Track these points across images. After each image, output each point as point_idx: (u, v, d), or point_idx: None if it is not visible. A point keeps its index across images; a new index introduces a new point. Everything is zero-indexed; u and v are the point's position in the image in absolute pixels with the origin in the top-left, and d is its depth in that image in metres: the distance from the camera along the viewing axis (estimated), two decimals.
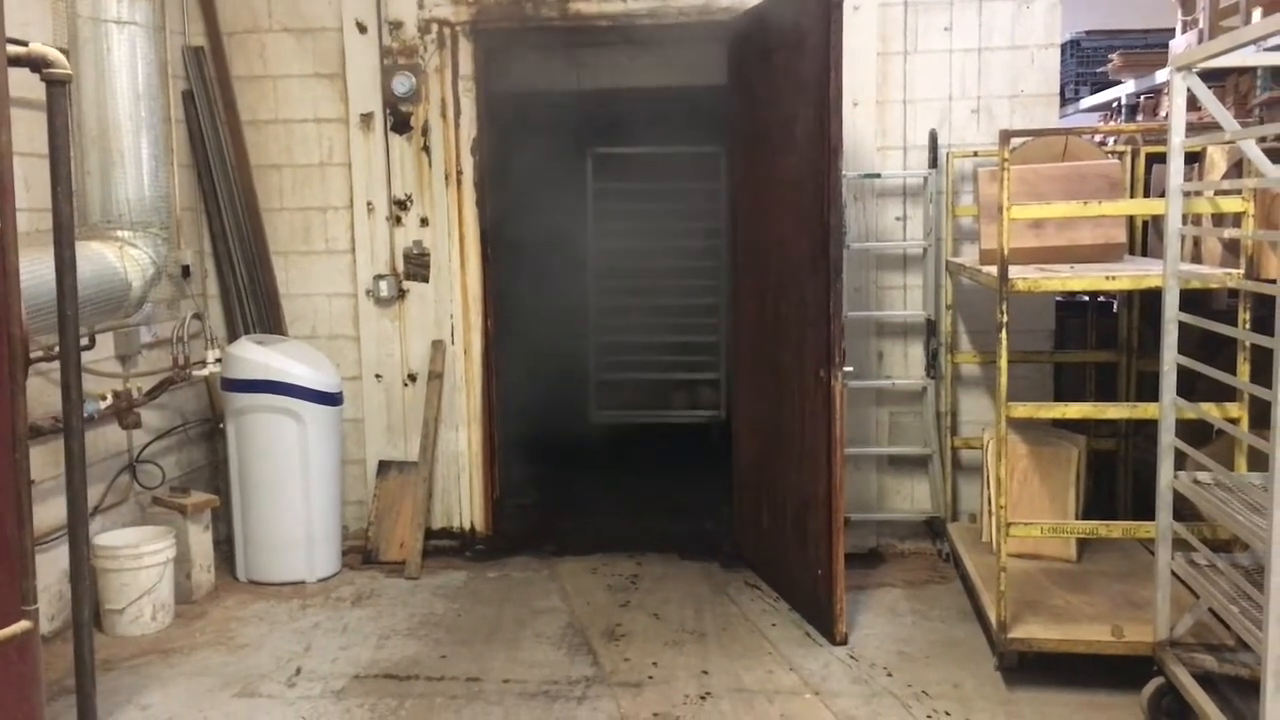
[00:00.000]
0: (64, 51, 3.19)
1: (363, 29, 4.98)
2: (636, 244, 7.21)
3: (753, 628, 4.20)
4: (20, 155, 2.67)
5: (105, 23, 3.87)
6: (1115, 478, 4.88)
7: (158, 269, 4.13)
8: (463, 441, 5.17)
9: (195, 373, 4.65)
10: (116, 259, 3.91)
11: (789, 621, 4.24)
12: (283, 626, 4.28)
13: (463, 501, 5.20)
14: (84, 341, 3.70)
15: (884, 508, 5.04)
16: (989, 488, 4.44)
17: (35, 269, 3.13)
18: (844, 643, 3.99)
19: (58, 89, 2.69)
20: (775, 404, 4.50)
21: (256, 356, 4.65)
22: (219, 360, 4.71)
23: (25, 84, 2.81)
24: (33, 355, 3.03)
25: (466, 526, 5.21)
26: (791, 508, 4.37)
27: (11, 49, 2.60)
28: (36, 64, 2.67)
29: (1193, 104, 3.34)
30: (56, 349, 3.34)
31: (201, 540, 4.59)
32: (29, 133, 3.55)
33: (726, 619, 4.29)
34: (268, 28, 5.06)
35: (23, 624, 2.52)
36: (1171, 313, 3.32)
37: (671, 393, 7.44)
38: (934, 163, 4.80)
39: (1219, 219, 3.71)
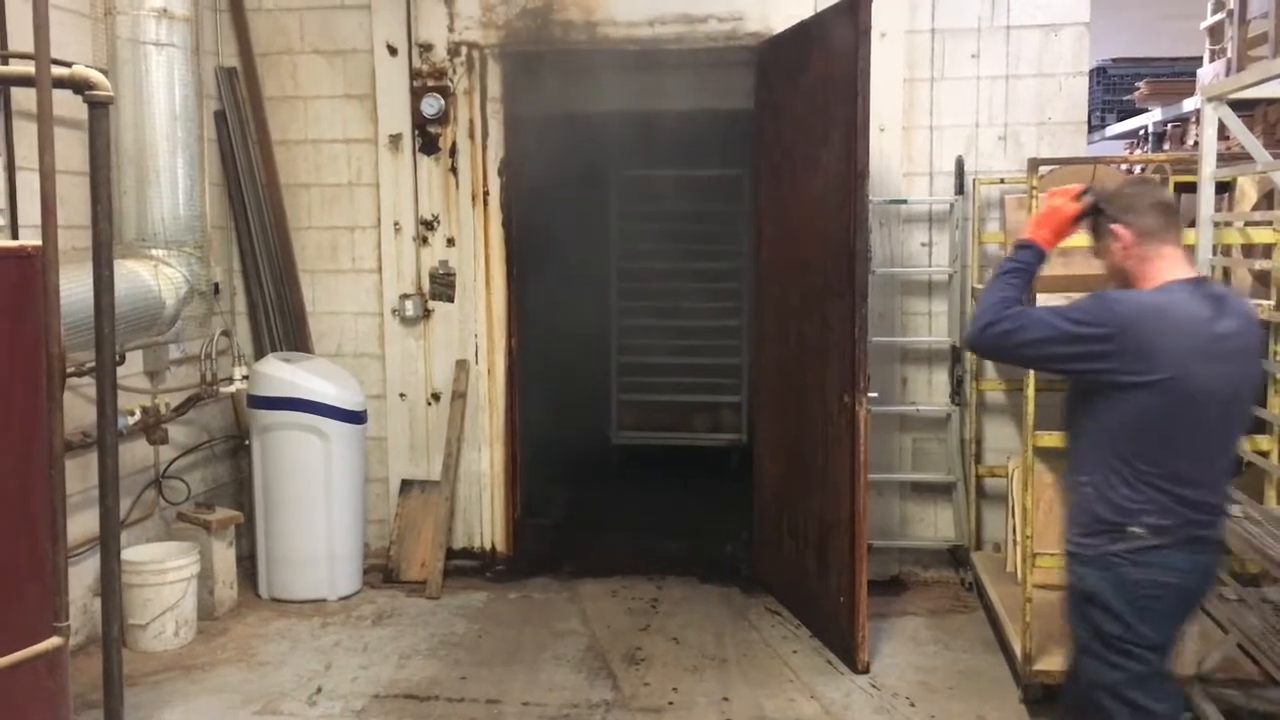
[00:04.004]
0: (103, 72, 3.24)
1: (393, 51, 5.04)
2: (660, 265, 7.24)
3: (774, 654, 4.18)
4: (57, 173, 2.71)
5: (144, 45, 3.93)
6: None
7: (190, 287, 4.18)
8: (485, 461, 5.18)
9: (222, 389, 4.69)
10: (151, 277, 3.96)
11: (810, 649, 4.22)
12: (304, 644, 4.29)
13: (484, 521, 5.21)
14: (116, 358, 3.73)
15: (907, 535, 5.01)
16: (1014, 517, 4.41)
17: (71, 287, 3.16)
18: (866, 671, 3.96)
19: (100, 111, 2.74)
20: (798, 428, 4.49)
21: (282, 374, 4.69)
22: (246, 377, 4.75)
23: (58, 101, 2.85)
24: (66, 371, 3.06)
25: (487, 546, 5.21)
26: (813, 533, 4.35)
27: (55, 70, 2.65)
28: (79, 86, 2.72)
29: (1221, 133, 3.34)
30: (87, 365, 3.39)
31: (225, 556, 4.61)
32: (65, 151, 3.59)
33: (747, 645, 4.27)
34: (299, 49, 5.13)
35: (54, 640, 2.54)
36: None
37: (693, 415, 7.43)
38: (960, 189, 4.80)
39: (1249, 250, 3.69)
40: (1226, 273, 3.87)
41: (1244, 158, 3.40)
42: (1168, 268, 2.43)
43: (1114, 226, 2.48)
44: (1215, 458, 2.44)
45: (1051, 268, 3.85)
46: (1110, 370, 2.35)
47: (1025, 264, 2.56)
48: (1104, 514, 2.41)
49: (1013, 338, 2.45)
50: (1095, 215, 2.55)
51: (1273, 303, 3.40)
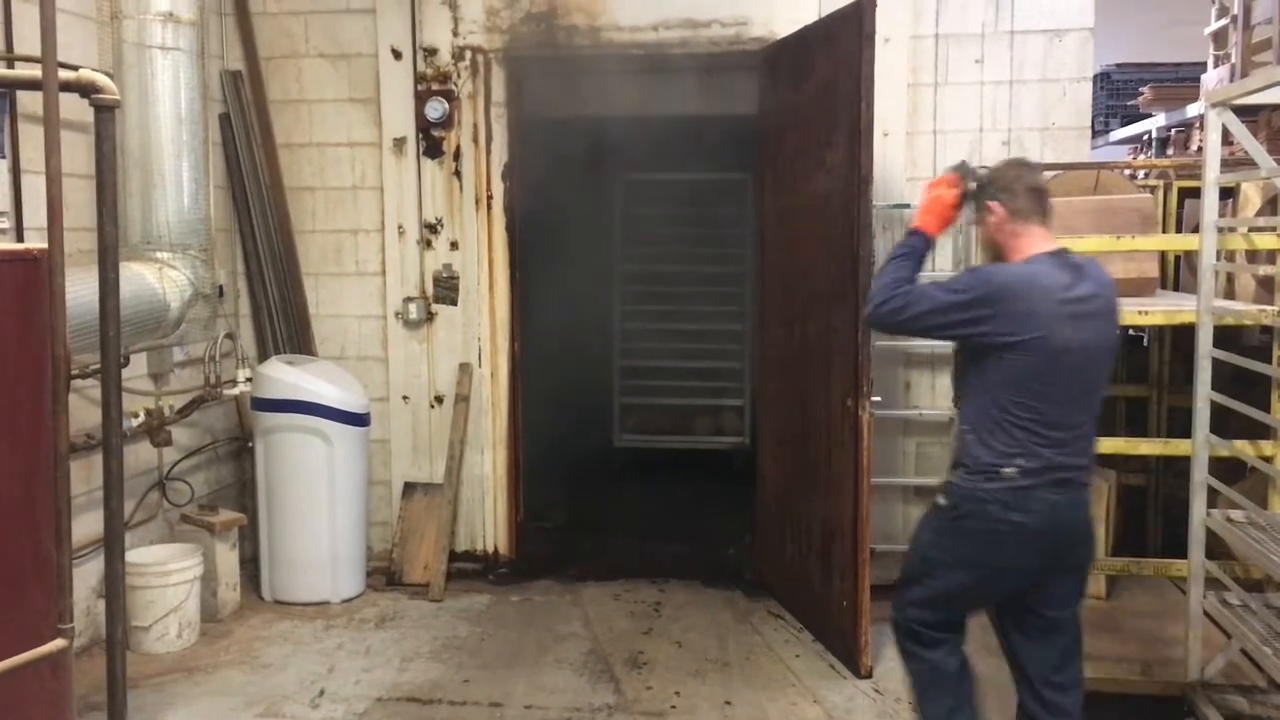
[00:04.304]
0: (109, 75, 3.25)
1: (398, 55, 5.05)
2: (663, 269, 7.24)
3: (776, 658, 4.17)
4: (63, 177, 2.72)
5: (150, 48, 3.94)
6: (1145, 514, 4.83)
7: (195, 290, 4.19)
8: (488, 464, 5.19)
9: (226, 392, 4.69)
10: (156, 280, 3.97)
11: (813, 653, 4.21)
12: (306, 647, 4.29)
13: (487, 524, 5.21)
14: (121, 360, 3.74)
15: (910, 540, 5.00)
16: None
17: (76, 289, 3.17)
18: (869, 676, 3.96)
19: (106, 114, 2.75)
20: (801, 432, 4.49)
21: (286, 376, 4.70)
22: (249, 380, 4.76)
23: (64, 104, 2.86)
24: (71, 373, 3.07)
25: (490, 549, 5.22)
26: (816, 537, 4.35)
27: (62, 74, 2.66)
28: (86, 89, 2.73)
29: (1225, 138, 3.34)
30: (92, 367, 3.40)
31: (228, 558, 4.62)
32: (70, 154, 3.61)
33: (750, 649, 4.27)
34: (304, 53, 5.14)
35: (58, 642, 2.54)
36: (1205, 349, 3.30)
37: (696, 418, 7.43)
38: None
39: (1253, 255, 3.69)
40: (1230, 278, 3.87)
41: (1248, 163, 3.40)
42: (1034, 243, 2.75)
43: (990, 203, 2.80)
44: (1080, 407, 2.73)
45: None
46: (988, 333, 2.66)
47: (914, 248, 2.88)
48: (982, 457, 2.71)
49: (904, 312, 2.78)
50: (977, 194, 2.85)
51: (1276, 308, 3.40)
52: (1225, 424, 3.59)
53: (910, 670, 2.98)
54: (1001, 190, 2.79)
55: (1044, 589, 2.78)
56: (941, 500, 2.82)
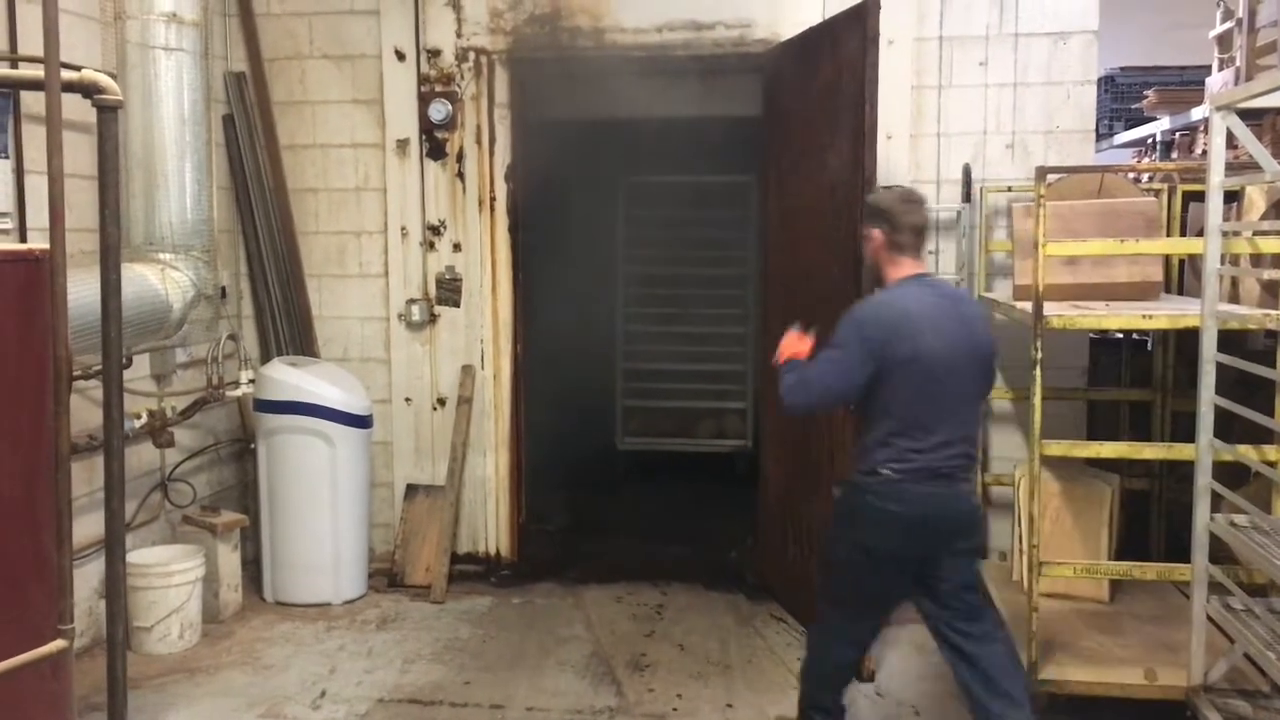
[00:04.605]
0: (112, 76, 3.25)
1: (401, 57, 5.05)
2: (666, 271, 7.23)
3: (778, 661, 4.17)
4: (65, 177, 2.71)
5: (153, 49, 3.95)
6: (1148, 518, 4.82)
7: (198, 291, 4.19)
8: (490, 466, 5.19)
9: (228, 393, 4.69)
10: (158, 281, 3.97)
11: None
12: (308, 648, 4.29)
13: (489, 526, 5.21)
14: (122, 361, 3.75)
15: None
16: (1020, 526, 4.40)
17: (78, 290, 3.18)
18: (870, 679, 3.95)
19: (109, 115, 2.75)
20: (803, 434, 4.48)
21: (288, 378, 4.70)
22: (252, 381, 4.76)
23: (66, 104, 2.86)
24: (73, 374, 3.07)
25: (492, 551, 5.21)
26: (819, 539, 4.34)
27: (65, 74, 2.66)
28: (89, 90, 2.74)
29: (1229, 142, 3.32)
30: (94, 368, 3.40)
31: (230, 560, 4.62)
32: (73, 154, 3.62)
33: (752, 651, 4.26)
34: (308, 54, 5.15)
35: (59, 643, 2.54)
36: (1209, 353, 3.29)
37: (699, 421, 7.42)
38: (967, 197, 4.79)
39: (1257, 259, 3.68)
40: (1234, 282, 3.86)
41: (1252, 167, 3.39)
42: (905, 269, 3.11)
43: (874, 230, 3.12)
44: (951, 413, 3.03)
45: (1059, 276, 3.87)
46: (884, 358, 2.95)
47: (794, 364, 3.16)
48: (867, 459, 3.06)
49: (820, 403, 3.17)
50: (871, 217, 3.16)
51: None
52: (1229, 428, 3.58)
53: (809, 644, 3.36)
54: (884, 221, 3.10)
55: (939, 570, 3.07)
56: (836, 492, 3.20)
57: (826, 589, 3.32)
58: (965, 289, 3.17)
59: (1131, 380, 4.95)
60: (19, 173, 3.76)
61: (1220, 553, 3.38)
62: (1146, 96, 6.08)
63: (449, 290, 5.14)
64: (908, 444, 2.99)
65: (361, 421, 4.82)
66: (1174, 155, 5.87)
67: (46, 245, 2.68)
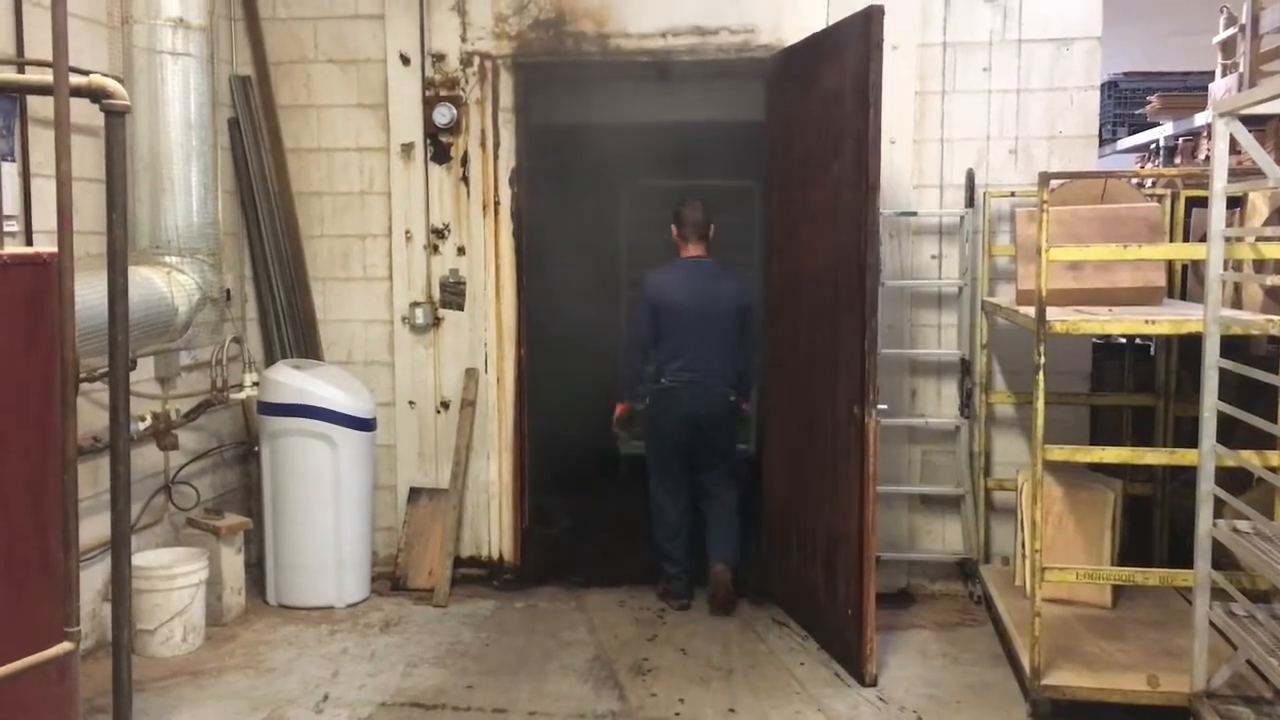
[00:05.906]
0: (119, 80, 3.27)
1: (406, 61, 5.06)
2: None
3: (780, 666, 4.17)
4: (72, 181, 2.72)
5: (160, 54, 3.96)
6: (1151, 523, 4.82)
7: (203, 295, 4.20)
8: (493, 470, 5.19)
9: (233, 396, 4.70)
10: (164, 284, 3.98)
11: (817, 661, 4.21)
12: (311, 651, 4.30)
13: (492, 530, 5.22)
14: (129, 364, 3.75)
15: (915, 548, 5.00)
16: (1023, 530, 4.40)
17: (85, 293, 3.18)
18: (873, 684, 3.95)
19: (116, 120, 2.76)
20: (806, 439, 4.49)
21: (293, 381, 4.71)
22: (256, 384, 4.77)
23: (74, 108, 2.86)
24: (79, 376, 3.08)
25: (495, 555, 5.22)
26: (821, 545, 4.35)
27: (73, 79, 2.67)
28: (96, 94, 2.74)
29: (1232, 147, 3.33)
30: (100, 371, 3.41)
31: (233, 563, 4.63)
32: (80, 158, 3.61)
33: (754, 656, 4.27)
34: (313, 59, 5.16)
35: (64, 645, 2.55)
36: (1212, 358, 3.29)
37: None
38: (970, 202, 4.80)
39: (1260, 265, 3.69)
40: (1237, 287, 3.86)
41: (1255, 173, 3.40)
42: (687, 251, 4.88)
43: (673, 225, 4.90)
44: (701, 343, 4.73)
45: (1062, 281, 3.88)
46: (655, 310, 4.81)
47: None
48: (658, 374, 4.82)
49: (633, 343, 5.02)
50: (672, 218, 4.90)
51: None
52: (1231, 434, 3.58)
53: (651, 509, 4.99)
54: (675, 220, 4.89)
55: (699, 447, 4.83)
56: (646, 400, 4.90)
57: (648, 462, 5.00)
58: (732, 270, 5.02)
59: (1134, 385, 4.96)
60: (26, 176, 3.78)
61: (1223, 558, 3.38)
62: (1150, 102, 6.08)
63: (453, 294, 5.15)
64: (676, 364, 4.74)
65: (365, 424, 4.83)
66: (1177, 161, 5.87)
67: (54, 248, 2.69)
